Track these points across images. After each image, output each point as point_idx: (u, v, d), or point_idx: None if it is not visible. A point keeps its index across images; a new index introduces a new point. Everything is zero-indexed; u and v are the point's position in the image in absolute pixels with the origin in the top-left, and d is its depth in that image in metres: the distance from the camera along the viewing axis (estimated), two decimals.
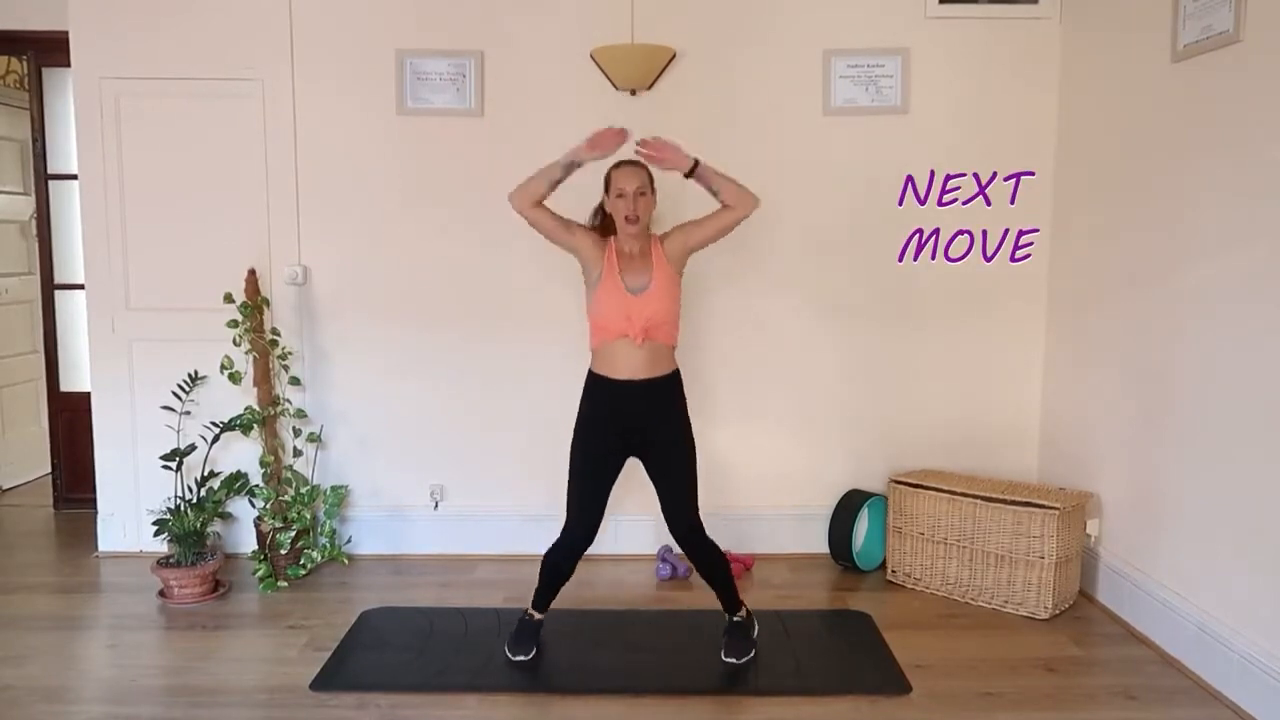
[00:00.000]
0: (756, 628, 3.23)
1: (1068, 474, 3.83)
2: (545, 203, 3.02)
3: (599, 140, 2.98)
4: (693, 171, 3.00)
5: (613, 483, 3.08)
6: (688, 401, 3.12)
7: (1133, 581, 3.36)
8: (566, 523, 3.08)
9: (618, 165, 3.03)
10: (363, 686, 2.93)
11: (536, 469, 4.02)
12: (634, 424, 3.02)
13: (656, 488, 3.08)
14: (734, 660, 3.08)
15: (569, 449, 3.08)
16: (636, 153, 2.99)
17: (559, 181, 2.99)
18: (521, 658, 3.09)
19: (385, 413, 4.08)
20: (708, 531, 3.10)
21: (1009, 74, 3.94)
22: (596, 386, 3.06)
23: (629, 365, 2.99)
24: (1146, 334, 3.30)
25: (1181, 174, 3.10)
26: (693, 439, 3.11)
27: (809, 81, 3.95)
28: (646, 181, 3.00)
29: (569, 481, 3.08)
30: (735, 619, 3.19)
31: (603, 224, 3.11)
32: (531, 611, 3.18)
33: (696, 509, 3.09)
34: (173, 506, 3.72)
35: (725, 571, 3.15)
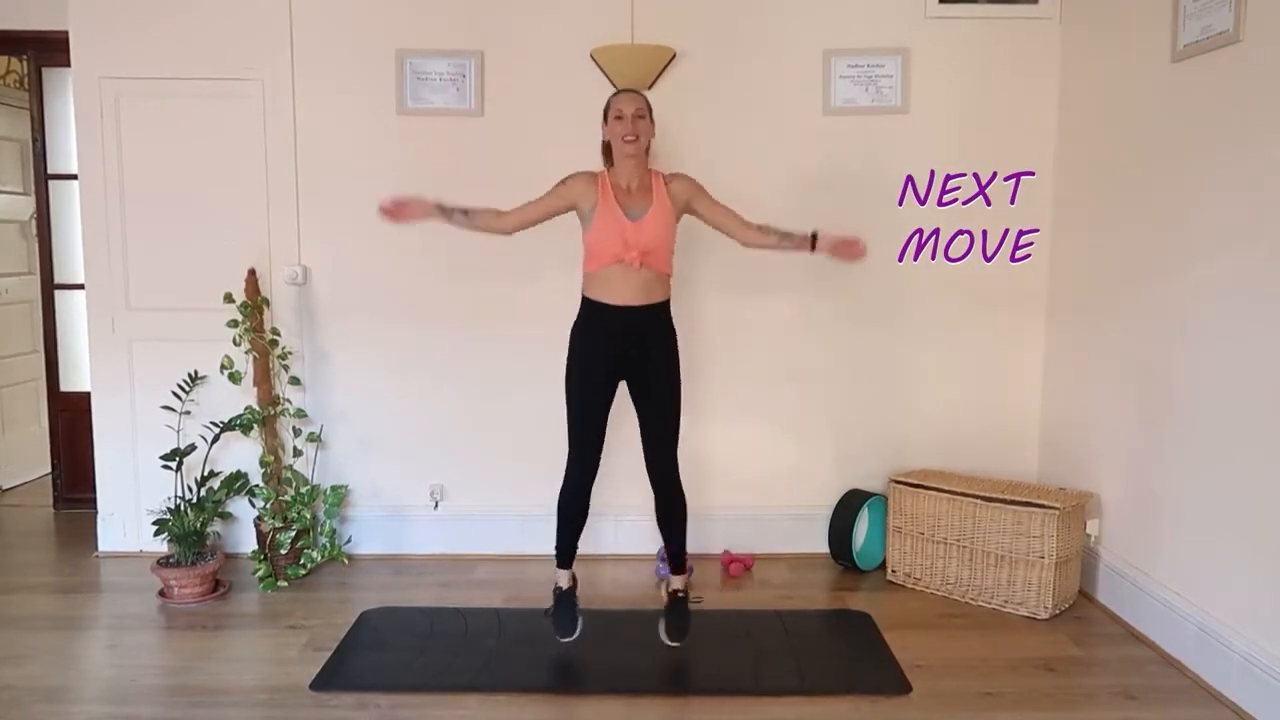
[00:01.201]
0: (692, 595, 3.26)
1: (1068, 474, 3.83)
2: (515, 214, 3.10)
3: (398, 211, 3.07)
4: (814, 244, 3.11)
5: (608, 409, 3.11)
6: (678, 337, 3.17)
7: (1133, 581, 3.36)
8: (569, 458, 3.12)
9: (617, 92, 3.08)
10: (363, 686, 2.93)
11: (536, 469, 4.01)
12: (629, 348, 3.05)
13: (641, 419, 3.11)
14: (676, 643, 3.11)
15: (565, 387, 3.11)
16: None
17: (462, 219, 3.10)
18: (568, 638, 3.13)
19: (385, 413, 4.08)
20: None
21: (1009, 74, 3.94)
22: (590, 311, 3.07)
23: (625, 291, 3.00)
24: (1146, 334, 3.30)
25: (1181, 174, 3.10)
26: (680, 376, 3.14)
27: (809, 81, 3.95)
28: (644, 106, 3.04)
29: (568, 414, 3.10)
30: (678, 594, 3.19)
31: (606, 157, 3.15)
32: (559, 577, 3.21)
33: (676, 449, 3.12)
34: (173, 506, 3.72)
35: (684, 522, 3.18)
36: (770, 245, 3.13)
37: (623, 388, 3.15)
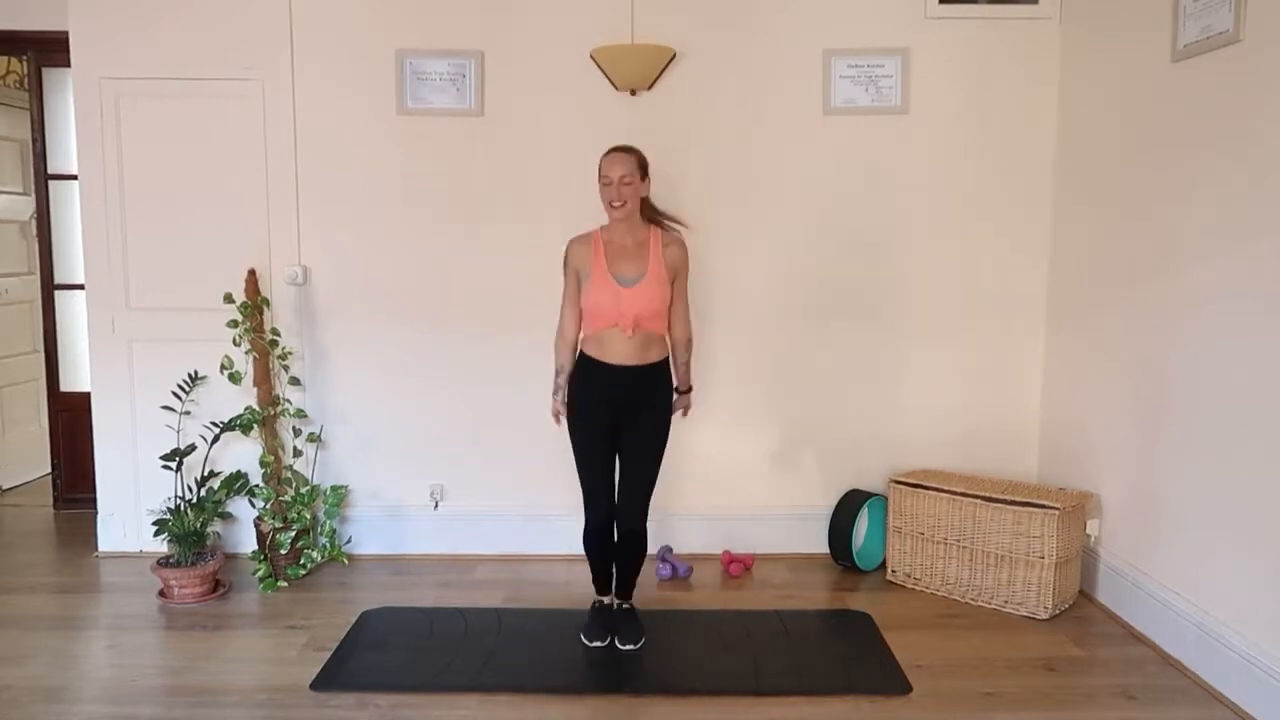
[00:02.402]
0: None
1: (1068, 474, 3.83)
2: (568, 321, 3.18)
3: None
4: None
5: (614, 452, 3.17)
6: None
7: (1133, 581, 3.36)
8: (585, 503, 3.20)
9: (608, 153, 3.09)
10: (363, 686, 2.93)
11: (536, 469, 4.02)
12: (619, 403, 3.11)
13: (623, 460, 3.17)
14: (632, 646, 3.16)
15: (569, 438, 3.18)
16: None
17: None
18: (597, 644, 3.19)
19: (385, 413, 4.08)
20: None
21: (1009, 74, 3.94)
22: (587, 368, 3.14)
23: (620, 352, 3.07)
24: (1146, 334, 3.30)
25: (1181, 174, 3.10)
26: (667, 435, 3.21)
27: (809, 81, 3.95)
28: (633, 169, 3.05)
29: (576, 464, 3.18)
30: (626, 606, 3.29)
31: None
32: (599, 597, 3.31)
33: (647, 503, 3.19)
34: (173, 506, 3.72)
35: (639, 563, 3.27)
36: (675, 357, 3.24)
37: None
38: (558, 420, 3.26)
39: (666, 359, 3.19)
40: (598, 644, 3.19)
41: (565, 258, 3.16)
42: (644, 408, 3.14)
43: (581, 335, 3.17)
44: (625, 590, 3.30)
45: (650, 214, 3.16)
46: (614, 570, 3.29)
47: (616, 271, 3.04)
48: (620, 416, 3.12)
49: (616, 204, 3.03)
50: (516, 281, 4.00)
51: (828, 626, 3.44)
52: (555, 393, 3.23)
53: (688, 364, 3.28)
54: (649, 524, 3.21)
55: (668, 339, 3.20)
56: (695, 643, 3.23)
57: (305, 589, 3.76)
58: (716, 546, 4.06)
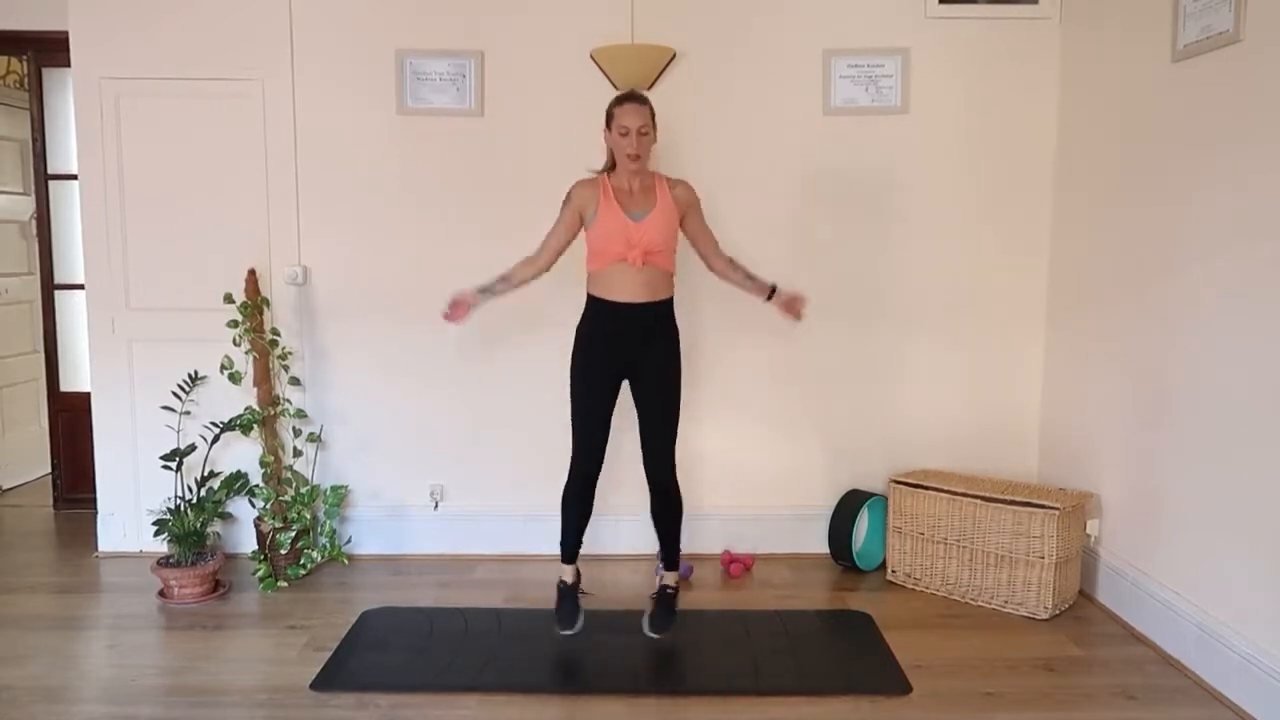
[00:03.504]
0: (678, 598, 3.31)
1: (1068, 474, 3.83)
2: (544, 251, 3.15)
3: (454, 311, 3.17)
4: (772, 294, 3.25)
5: (613, 405, 3.15)
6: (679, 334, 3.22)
7: (1133, 581, 3.36)
8: (574, 452, 3.16)
9: (620, 101, 3.07)
10: (363, 686, 2.93)
11: (536, 469, 4.02)
12: (632, 344, 3.08)
13: (640, 416, 3.15)
14: (657, 635, 3.15)
15: (570, 386, 3.15)
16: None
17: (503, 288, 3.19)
18: (568, 631, 3.16)
19: (385, 413, 4.08)
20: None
21: (1009, 74, 3.94)
22: (595, 309, 3.11)
23: (628, 288, 3.04)
24: (1146, 334, 3.30)
25: (1181, 174, 3.10)
26: (681, 375, 3.19)
27: (809, 81, 3.95)
28: (649, 119, 3.04)
29: (572, 410, 3.15)
30: (667, 588, 3.25)
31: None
32: (563, 571, 3.26)
33: (674, 448, 3.16)
34: (173, 506, 3.72)
35: (678, 522, 3.24)
36: (734, 280, 3.23)
37: (625, 387, 3.16)
38: (451, 312, 3.17)
39: (672, 300, 3.14)
40: (569, 632, 3.16)
41: (568, 195, 3.12)
42: (655, 346, 3.10)
43: (587, 276, 3.13)
44: (672, 560, 3.26)
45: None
46: (658, 538, 3.25)
47: (626, 208, 3.03)
48: (630, 362, 3.09)
49: (633, 155, 3.00)
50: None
51: (828, 626, 3.44)
52: (480, 290, 3.15)
53: (750, 275, 3.24)
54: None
55: (716, 262, 3.19)
56: (695, 643, 3.23)
57: (305, 589, 3.76)
58: (716, 546, 4.06)
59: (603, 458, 3.16)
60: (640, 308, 3.05)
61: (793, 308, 3.27)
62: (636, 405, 3.15)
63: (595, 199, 3.06)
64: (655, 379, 3.12)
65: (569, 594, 3.25)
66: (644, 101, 3.06)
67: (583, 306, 3.19)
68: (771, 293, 3.24)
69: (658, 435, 3.14)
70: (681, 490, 3.24)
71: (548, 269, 3.19)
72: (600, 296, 3.08)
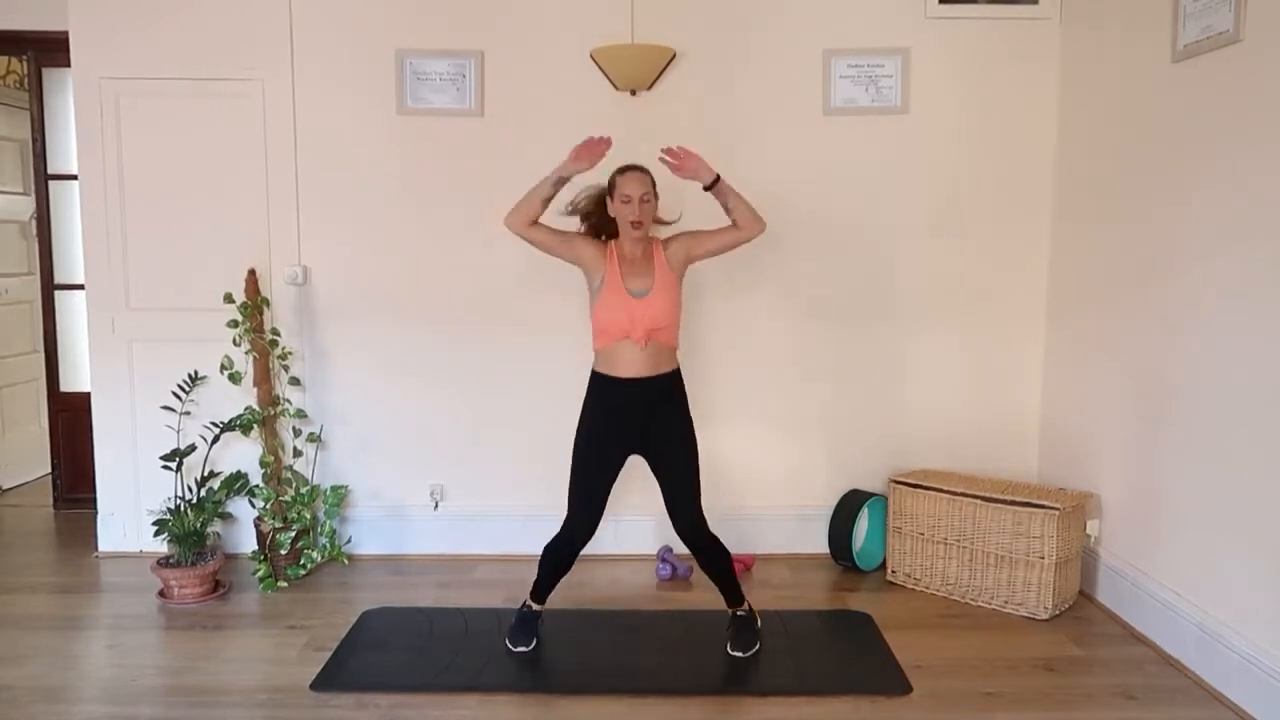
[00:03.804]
0: (759, 621, 3.26)
1: (1068, 474, 3.83)
2: (541, 221, 3.06)
3: (584, 151, 3.02)
4: (713, 185, 3.03)
5: (614, 480, 3.12)
6: (688, 398, 3.16)
7: (1133, 581, 3.36)
8: (568, 518, 3.12)
9: (622, 171, 3.05)
10: (363, 686, 2.93)
11: (536, 469, 4.02)
12: (638, 420, 3.06)
13: (661, 484, 3.12)
14: (740, 654, 3.11)
15: (571, 447, 3.11)
16: (660, 159, 3.03)
17: (550, 198, 3.04)
18: (522, 649, 3.14)
19: (385, 413, 4.08)
20: (711, 527, 3.13)
21: (1009, 74, 3.94)
22: (601, 385, 3.09)
23: (632, 365, 3.03)
24: (1146, 334, 3.30)
25: (1181, 174, 3.10)
26: (694, 436, 3.15)
27: (809, 81, 3.95)
28: (651, 187, 3.03)
29: (571, 478, 3.11)
30: (739, 613, 3.22)
31: (597, 225, 3.14)
32: (530, 602, 3.22)
33: (700, 505, 3.12)
34: (173, 506, 3.72)
35: (728, 566, 3.19)
36: (727, 207, 3.07)
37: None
38: (577, 154, 3.00)
39: (678, 372, 3.14)
40: (523, 649, 3.13)
41: (580, 234, 3.11)
42: (663, 417, 3.08)
43: (593, 353, 3.11)
44: (735, 598, 3.22)
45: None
46: (711, 578, 3.20)
47: (629, 284, 3.02)
48: (635, 437, 3.07)
49: (637, 223, 2.98)
50: (516, 281, 4.00)
51: (828, 626, 3.44)
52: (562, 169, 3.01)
53: (727, 205, 3.04)
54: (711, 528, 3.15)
55: (735, 231, 3.06)
56: (695, 643, 3.23)
57: (305, 589, 3.76)
58: None
59: (597, 527, 3.12)
60: (646, 382, 3.04)
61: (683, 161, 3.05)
62: (656, 474, 3.12)
63: (601, 269, 3.04)
64: (669, 448, 3.10)
65: (532, 621, 3.20)
66: (644, 170, 3.04)
67: (584, 308, 3.19)
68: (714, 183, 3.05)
69: (682, 498, 3.10)
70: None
71: (529, 223, 3.03)
72: (605, 373, 3.07)
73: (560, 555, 3.15)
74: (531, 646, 3.15)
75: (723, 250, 3.13)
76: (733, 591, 3.22)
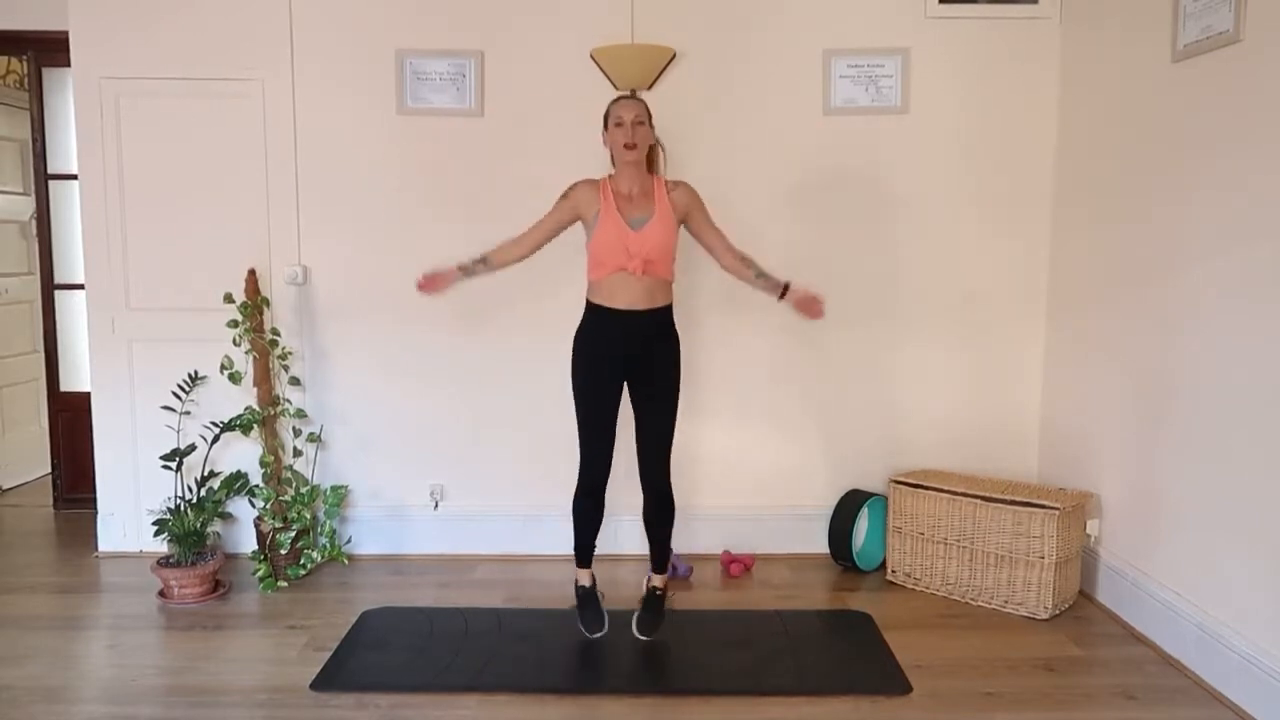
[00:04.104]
0: (669, 596, 3.33)
1: (1068, 474, 3.83)
2: (528, 237, 3.15)
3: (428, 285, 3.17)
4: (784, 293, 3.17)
5: (616, 410, 3.14)
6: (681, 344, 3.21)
7: (1133, 581, 3.36)
8: (581, 460, 3.17)
9: (617, 99, 3.10)
10: (363, 686, 2.93)
11: (536, 469, 4.02)
12: (633, 351, 3.08)
13: (639, 418, 3.15)
14: (646, 637, 3.17)
15: (570, 386, 3.15)
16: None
17: (488, 268, 3.18)
18: (598, 633, 3.20)
19: (385, 413, 4.08)
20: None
21: (1009, 74, 3.94)
22: (596, 316, 3.10)
23: (628, 296, 3.04)
24: (1146, 334, 3.30)
25: (1181, 174, 3.10)
26: (679, 383, 3.18)
27: (809, 81, 3.95)
28: (644, 113, 3.05)
29: (577, 416, 3.14)
30: (656, 589, 3.27)
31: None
32: (579, 575, 3.29)
33: (670, 452, 3.17)
34: (173, 506, 3.72)
35: (670, 526, 3.25)
36: (745, 278, 3.18)
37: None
38: (427, 283, 3.17)
39: (671, 306, 3.14)
40: (599, 634, 3.19)
41: (567, 192, 3.11)
42: (655, 353, 3.10)
43: (587, 284, 3.13)
44: (662, 563, 3.27)
45: (652, 166, 3.14)
46: (648, 540, 3.26)
47: (625, 215, 3.02)
48: (630, 368, 3.09)
49: (629, 146, 2.99)
50: (516, 281, 3.99)
51: (828, 626, 3.44)
52: (460, 268, 3.14)
53: (763, 272, 3.15)
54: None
55: (727, 259, 3.15)
56: (695, 643, 3.23)
57: (305, 589, 3.76)
58: (716, 546, 4.06)
59: (611, 462, 3.16)
60: (640, 315, 3.05)
61: (808, 307, 3.17)
62: (635, 410, 3.15)
63: (596, 203, 3.04)
64: (654, 385, 3.12)
65: (590, 597, 3.28)
66: (639, 99, 3.08)
67: (581, 304, 3.18)
68: (784, 292, 3.17)
69: (655, 440, 3.15)
70: (680, 491, 3.24)
71: (526, 258, 3.18)
72: (600, 304, 3.07)
73: (587, 504, 3.19)
74: (605, 629, 3.20)
75: (702, 243, 3.19)
76: (664, 557, 3.27)
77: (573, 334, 3.16)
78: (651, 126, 3.09)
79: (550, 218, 3.13)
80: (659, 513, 3.22)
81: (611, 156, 3.13)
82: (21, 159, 5.28)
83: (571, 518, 3.24)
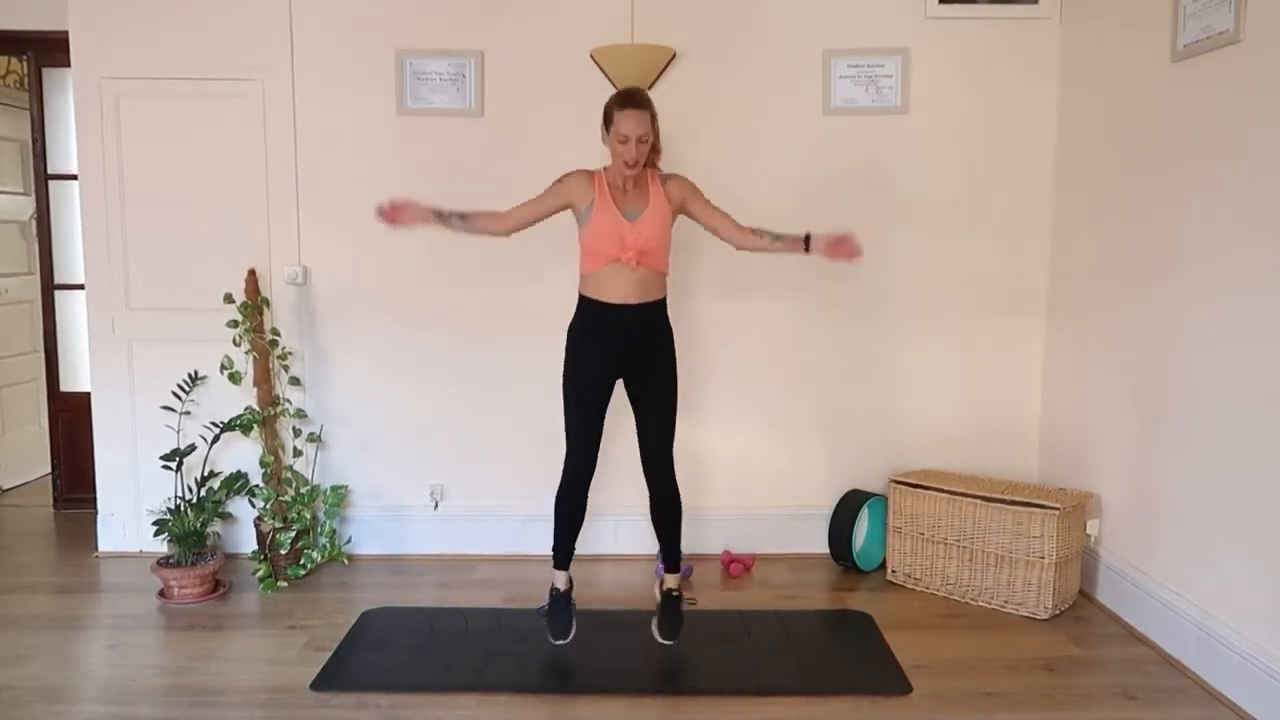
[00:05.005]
0: (686, 597, 3.28)
1: (1068, 474, 3.83)
2: (513, 215, 3.09)
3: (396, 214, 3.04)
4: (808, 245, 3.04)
5: (606, 407, 3.11)
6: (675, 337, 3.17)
7: (1133, 581, 3.36)
8: (567, 456, 3.13)
9: (621, 106, 2.96)
10: (363, 686, 2.93)
11: (536, 469, 4.01)
12: (627, 345, 3.05)
13: (638, 416, 3.12)
14: (669, 641, 3.12)
15: (562, 385, 3.12)
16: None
17: (462, 224, 3.09)
18: (562, 641, 3.14)
19: (385, 413, 4.08)
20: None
21: (1009, 74, 3.94)
22: (589, 310, 3.06)
23: (621, 289, 3.00)
24: (1146, 334, 3.30)
25: (1181, 174, 3.10)
26: (677, 377, 3.14)
27: (809, 81, 3.95)
28: (649, 127, 2.95)
29: (565, 410, 3.11)
30: (672, 592, 3.20)
31: None
32: (555, 578, 3.21)
33: (672, 447, 3.13)
34: (173, 506, 3.72)
35: (680, 524, 3.20)
36: (764, 248, 3.11)
37: (620, 388, 3.15)
38: (391, 211, 3.02)
39: (665, 300, 3.11)
40: (562, 641, 3.13)
41: (561, 180, 3.06)
42: (650, 347, 3.07)
43: (579, 278, 3.09)
44: (674, 562, 3.21)
45: (648, 160, 3.07)
46: (658, 539, 3.22)
47: (620, 206, 2.99)
48: (625, 364, 3.06)
49: (632, 163, 2.94)
50: (516, 281, 4.00)
51: (828, 626, 3.44)
52: (435, 211, 3.03)
53: (779, 235, 3.06)
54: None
55: (739, 238, 3.08)
56: (695, 643, 3.23)
57: (305, 589, 3.76)
58: (716, 546, 4.06)
59: (596, 460, 3.13)
60: (634, 309, 3.01)
61: (840, 249, 2.99)
62: (633, 408, 3.13)
63: (590, 194, 3.00)
64: (651, 381, 3.10)
65: (562, 602, 3.20)
66: (645, 106, 2.95)
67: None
68: (807, 244, 3.03)
69: (656, 438, 3.12)
70: (681, 491, 3.22)
71: (505, 235, 3.13)
72: (593, 297, 3.04)
73: (570, 500, 3.14)
74: (571, 637, 3.14)
75: (709, 229, 3.13)
76: (675, 555, 3.22)
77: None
78: (656, 130, 3.00)
79: (539, 201, 3.07)
80: (667, 512, 3.19)
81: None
82: (21, 159, 5.28)
83: (553, 516, 3.19)
